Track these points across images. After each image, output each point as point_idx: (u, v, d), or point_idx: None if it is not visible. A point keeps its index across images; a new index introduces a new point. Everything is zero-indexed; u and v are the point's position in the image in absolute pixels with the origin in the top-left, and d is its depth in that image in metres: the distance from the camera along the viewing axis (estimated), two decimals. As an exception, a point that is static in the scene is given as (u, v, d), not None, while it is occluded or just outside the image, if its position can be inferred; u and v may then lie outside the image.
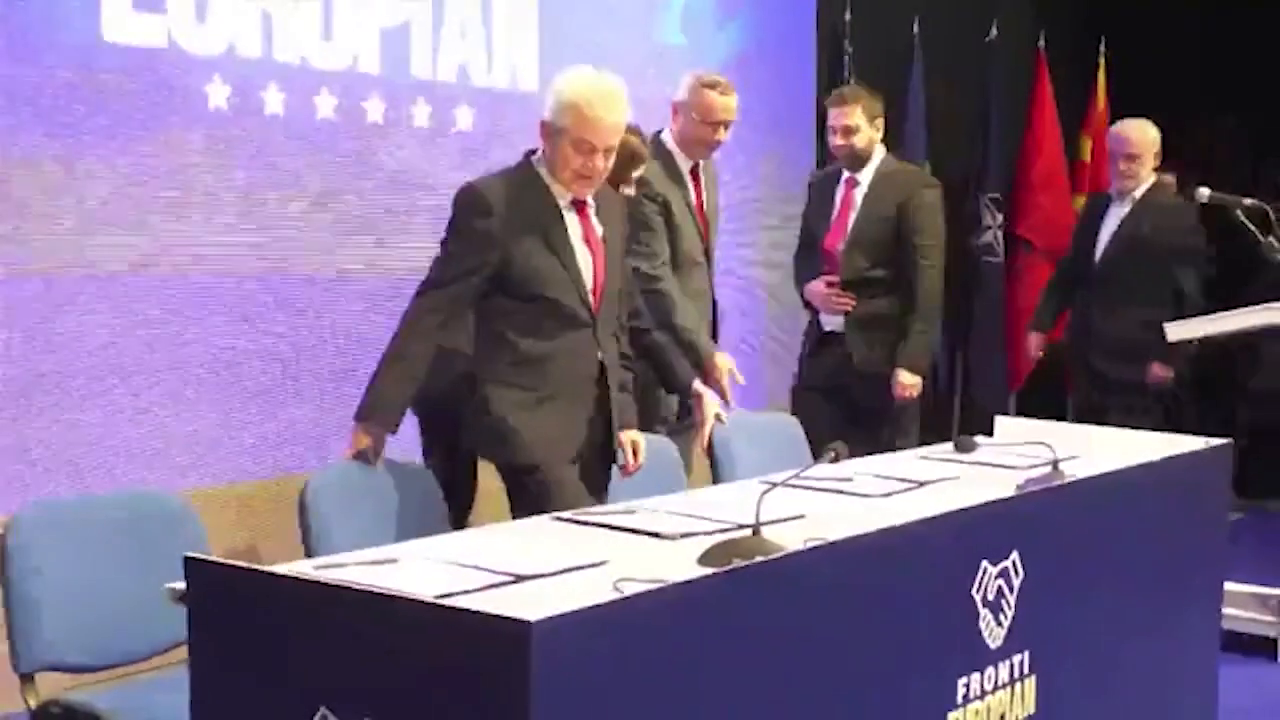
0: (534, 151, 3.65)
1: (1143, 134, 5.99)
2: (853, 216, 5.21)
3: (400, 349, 3.53)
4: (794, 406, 5.48)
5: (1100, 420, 4.51)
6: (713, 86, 4.67)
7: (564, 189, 3.60)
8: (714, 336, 4.86)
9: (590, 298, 3.64)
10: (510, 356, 3.58)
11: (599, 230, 3.68)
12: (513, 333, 3.58)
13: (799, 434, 4.61)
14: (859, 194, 5.22)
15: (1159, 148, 5.99)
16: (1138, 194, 5.98)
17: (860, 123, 5.16)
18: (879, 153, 5.26)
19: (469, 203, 3.56)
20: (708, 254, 4.83)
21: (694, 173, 4.78)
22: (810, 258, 5.33)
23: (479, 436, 3.67)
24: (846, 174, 5.26)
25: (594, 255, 3.65)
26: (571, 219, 3.63)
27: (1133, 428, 4.37)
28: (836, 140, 5.20)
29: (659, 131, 4.77)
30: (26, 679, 2.84)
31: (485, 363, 3.60)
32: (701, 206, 4.80)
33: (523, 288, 3.56)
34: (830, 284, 5.19)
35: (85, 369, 4.32)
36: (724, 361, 4.54)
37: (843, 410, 5.15)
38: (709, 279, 4.86)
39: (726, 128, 4.73)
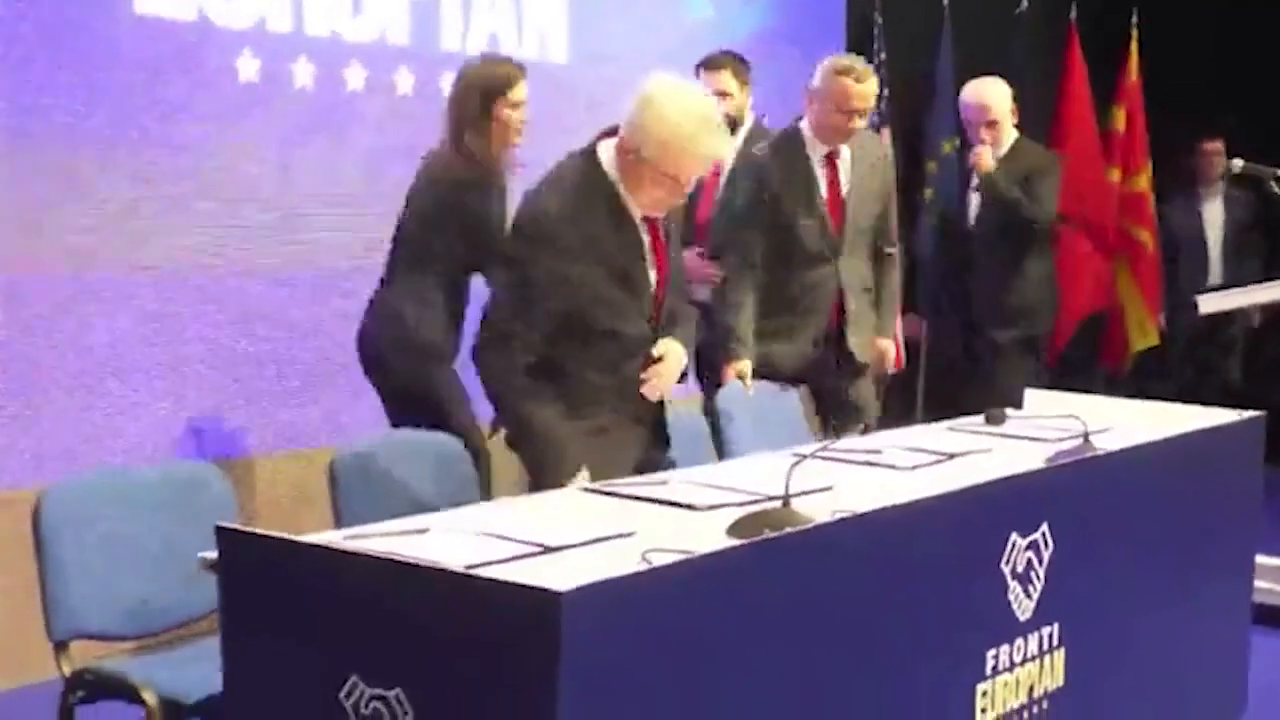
0: (601, 138, 3.31)
1: (997, 95, 5.68)
2: (721, 184, 5.02)
3: (534, 419, 3.25)
4: None
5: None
6: (847, 73, 4.50)
7: (637, 205, 3.29)
8: (837, 324, 4.67)
9: (653, 314, 3.38)
10: (566, 386, 3.29)
11: (664, 236, 3.39)
12: (570, 363, 3.29)
13: (798, 409, 4.58)
14: (727, 163, 4.97)
15: (1013, 103, 5.72)
16: (999, 155, 5.65)
17: (732, 88, 5.01)
18: (749, 120, 5.13)
19: (538, 235, 3.24)
20: (836, 247, 4.63)
21: (831, 159, 4.63)
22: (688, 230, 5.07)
23: (525, 454, 3.36)
24: None
25: (659, 270, 3.36)
26: (644, 237, 3.34)
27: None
28: None
29: (798, 118, 4.65)
30: (60, 647, 2.86)
31: (532, 387, 3.28)
32: (838, 196, 4.64)
33: (590, 321, 3.27)
34: (700, 254, 4.94)
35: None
36: (741, 367, 4.47)
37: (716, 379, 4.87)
38: (837, 270, 4.63)
39: (862, 115, 4.57)
